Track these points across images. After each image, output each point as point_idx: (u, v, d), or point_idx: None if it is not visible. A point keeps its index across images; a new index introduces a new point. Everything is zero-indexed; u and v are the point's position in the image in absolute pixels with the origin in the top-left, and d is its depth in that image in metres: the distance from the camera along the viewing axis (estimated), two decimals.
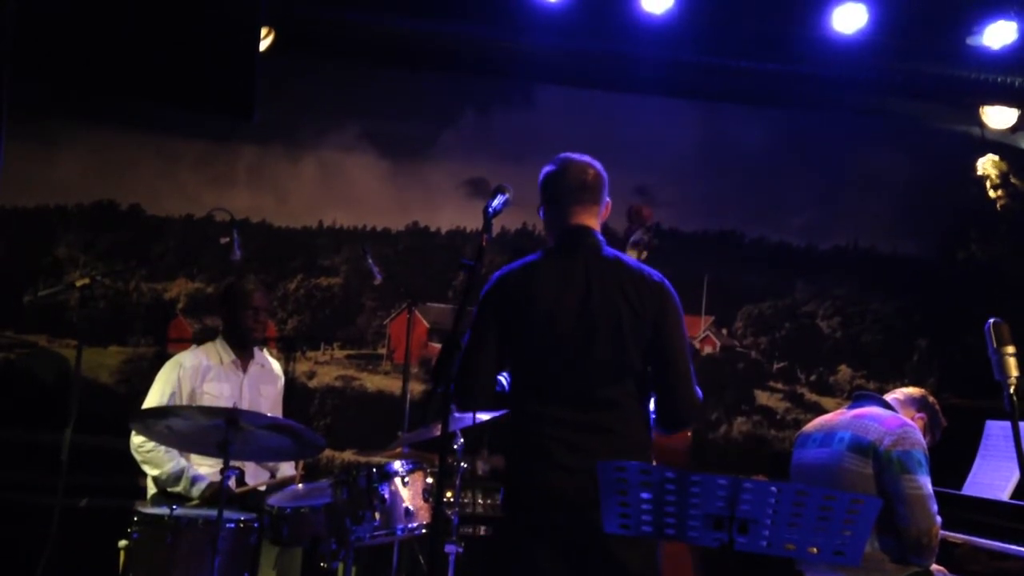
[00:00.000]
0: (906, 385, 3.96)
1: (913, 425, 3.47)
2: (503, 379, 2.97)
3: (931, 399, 3.73)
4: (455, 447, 3.74)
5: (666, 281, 2.91)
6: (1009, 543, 3.56)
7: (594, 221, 2.98)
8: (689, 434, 4.67)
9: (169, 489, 4.04)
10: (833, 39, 5.23)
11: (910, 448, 3.33)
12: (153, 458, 4.04)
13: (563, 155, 3.03)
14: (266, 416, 3.53)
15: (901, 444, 3.34)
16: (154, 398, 4.16)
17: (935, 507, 3.33)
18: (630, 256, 4.36)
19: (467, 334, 2.88)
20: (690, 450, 4.70)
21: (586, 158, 3.03)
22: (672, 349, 2.85)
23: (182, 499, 3.95)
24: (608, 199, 3.03)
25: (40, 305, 5.70)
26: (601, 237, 2.97)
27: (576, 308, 2.83)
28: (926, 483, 3.31)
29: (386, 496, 3.50)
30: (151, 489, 4.15)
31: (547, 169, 3.02)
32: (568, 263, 2.89)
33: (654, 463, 2.85)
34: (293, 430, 3.39)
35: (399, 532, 3.55)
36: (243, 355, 4.33)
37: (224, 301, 4.39)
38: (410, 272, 6.08)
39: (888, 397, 3.68)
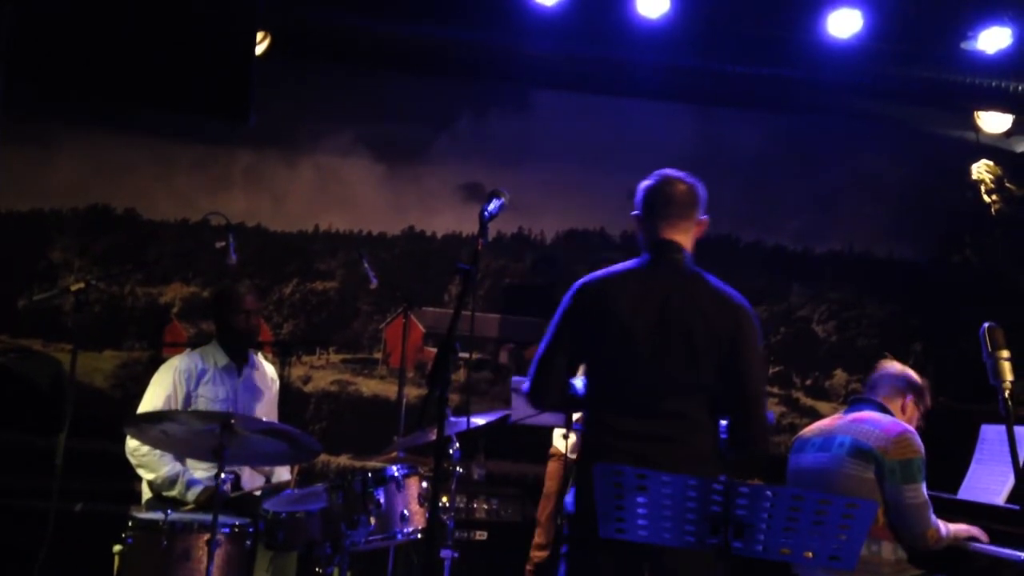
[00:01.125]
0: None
1: (912, 430, 3.50)
2: (578, 383, 3.01)
3: (909, 372, 3.77)
4: (451, 452, 3.73)
5: (746, 303, 2.92)
6: (1004, 547, 3.56)
7: (683, 237, 2.99)
8: None
9: (164, 493, 4.03)
10: (828, 44, 5.23)
11: (911, 456, 3.40)
12: (148, 462, 4.03)
13: (661, 170, 3.06)
14: (261, 420, 3.54)
15: (902, 453, 3.40)
16: (149, 402, 4.15)
17: (931, 511, 3.42)
18: None
19: (545, 337, 2.95)
20: None
21: (682, 174, 3.04)
22: (746, 370, 2.86)
23: (177, 503, 3.94)
24: (705, 216, 3.03)
25: (35, 309, 5.69)
26: (688, 253, 2.98)
27: (651, 322, 2.85)
28: (924, 490, 3.40)
29: (381, 501, 3.50)
30: (146, 493, 4.14)
31: (644, 183, 3.06)
32: (648, 277, 2.92)
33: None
34: (289, 434, 3.39)
35: (394, 537, 3.55)
36: (238, 359, 4.32)
37: (216, 305, 4.39)
38: (406, 276, 6.07)
39: (878, 396, 3.69)
